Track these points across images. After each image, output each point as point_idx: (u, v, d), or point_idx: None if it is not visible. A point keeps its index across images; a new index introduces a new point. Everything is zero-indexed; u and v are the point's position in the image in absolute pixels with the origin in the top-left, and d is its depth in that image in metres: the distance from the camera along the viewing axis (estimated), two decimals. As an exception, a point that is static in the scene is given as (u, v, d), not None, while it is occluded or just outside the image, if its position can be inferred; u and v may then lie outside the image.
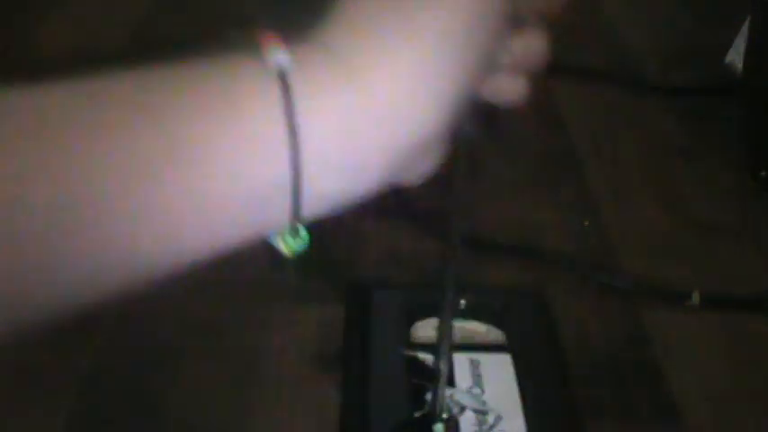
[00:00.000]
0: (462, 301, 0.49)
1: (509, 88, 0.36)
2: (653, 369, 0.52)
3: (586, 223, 0.65)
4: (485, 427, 0.43)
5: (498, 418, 0.44)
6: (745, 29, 0.77)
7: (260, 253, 0.31)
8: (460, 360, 0.46)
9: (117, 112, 0.27)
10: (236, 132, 0.28)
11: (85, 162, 0.25)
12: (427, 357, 0.46)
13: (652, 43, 0.96)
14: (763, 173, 0.69)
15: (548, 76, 0.88)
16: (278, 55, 0.29)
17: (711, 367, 0.52)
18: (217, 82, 0.29)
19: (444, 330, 0.40)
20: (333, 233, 0.63)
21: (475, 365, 0.46)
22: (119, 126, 0.26)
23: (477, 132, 0.37)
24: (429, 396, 0.43)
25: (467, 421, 0.44)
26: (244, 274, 0.55)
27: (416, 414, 0.43)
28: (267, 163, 0.28)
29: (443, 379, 0.41)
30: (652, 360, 0.53)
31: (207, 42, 0.30)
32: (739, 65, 0.78)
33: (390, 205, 0.66)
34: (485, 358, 0.46)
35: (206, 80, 0.29)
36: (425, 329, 0.49)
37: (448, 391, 0.43)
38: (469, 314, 0.49)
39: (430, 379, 0.42)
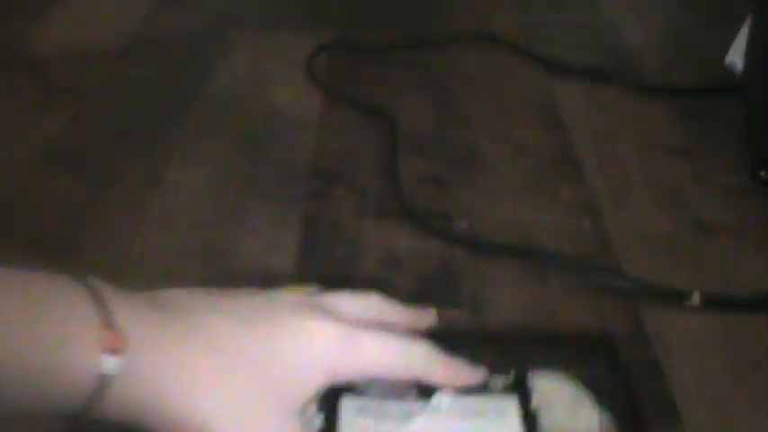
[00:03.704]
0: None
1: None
2: (653, 369, 0.52)
3: (586, 223, 0.65)
4: None
5: None
6: (745, 29, 0.77)
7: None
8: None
9: None
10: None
11: None
12: None
13: (652, 43, 0.96)
14: (763, 173, 0.69)
15: (548, 76, 0.88)
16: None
17: (711, 367, 0.52)
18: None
19: None
20: (333, 234, 0.63)
21: None
22: None
23: None
24: None
25: None
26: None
27: None
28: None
29: None
30: (652, 360, 0.53)
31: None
32: (739, 65, 0.78)
33: (390, 205, 0.66)
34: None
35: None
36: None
37: None
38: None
39: None
